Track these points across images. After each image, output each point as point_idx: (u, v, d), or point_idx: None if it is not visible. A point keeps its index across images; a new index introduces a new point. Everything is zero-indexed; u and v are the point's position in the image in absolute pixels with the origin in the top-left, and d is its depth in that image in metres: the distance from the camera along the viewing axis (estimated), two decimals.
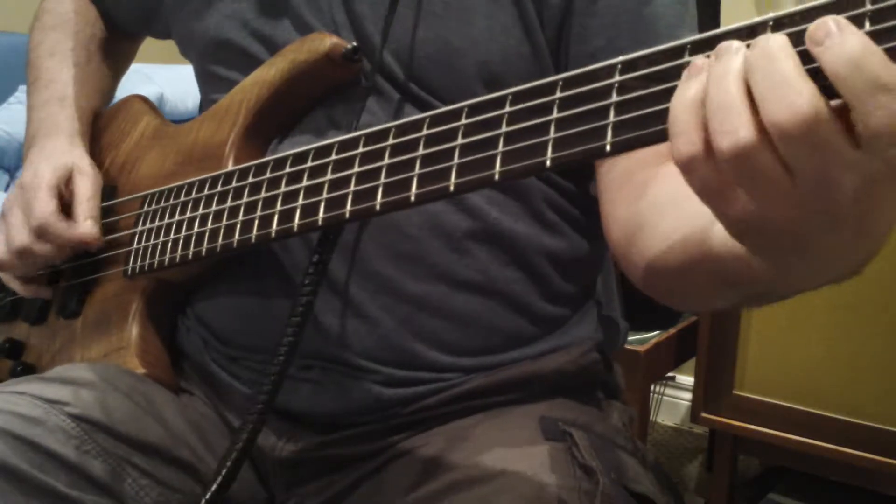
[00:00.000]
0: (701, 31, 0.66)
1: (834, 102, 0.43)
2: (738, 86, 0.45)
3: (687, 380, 2.07)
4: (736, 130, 0.44)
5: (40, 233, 0.89)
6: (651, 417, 2.17)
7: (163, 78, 2.16)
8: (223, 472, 0.73)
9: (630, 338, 1.47)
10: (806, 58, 0.44)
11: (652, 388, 1.96)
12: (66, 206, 0.91)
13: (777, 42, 0.44)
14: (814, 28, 0.43)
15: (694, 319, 1.71)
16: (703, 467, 2.03)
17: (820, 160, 0.44)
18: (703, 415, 1.63)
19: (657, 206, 0.70)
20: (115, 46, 1.09)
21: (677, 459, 2.10)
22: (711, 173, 0.46)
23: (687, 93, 0.47)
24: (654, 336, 1.67)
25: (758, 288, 0.56)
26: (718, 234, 0.56)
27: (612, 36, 0.77)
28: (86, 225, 0.90)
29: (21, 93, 2.10)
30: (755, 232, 0.48)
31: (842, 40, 0.42)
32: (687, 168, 0.47)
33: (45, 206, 0.89)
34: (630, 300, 0.95)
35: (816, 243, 0.48)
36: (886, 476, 1.48)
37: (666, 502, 0.75)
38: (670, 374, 1.97)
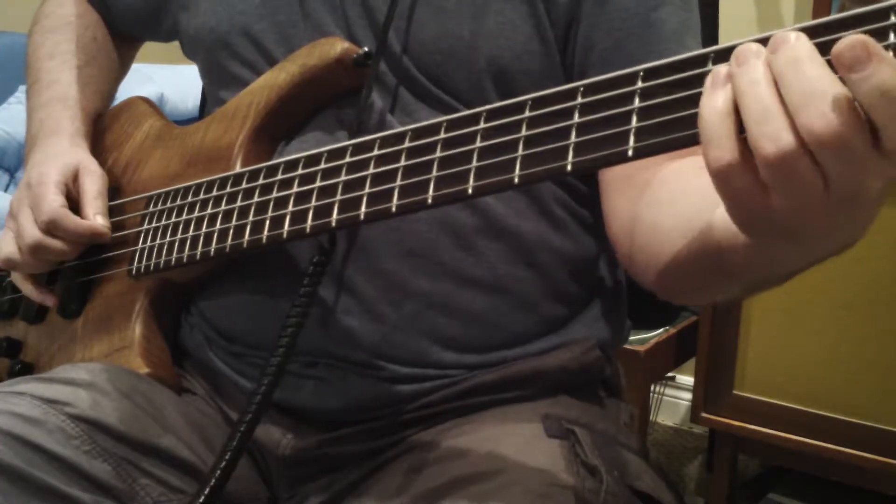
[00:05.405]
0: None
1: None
2: (771, 92, 0.45)
3: (687, 380, 2.07)
4: (779, 136, 0.45)
5: (50, 227, 0.89)
6: (651, 417, 2.16)
7: (163, 78, 2.16)
8: (221, 465, 0.73)
9: (630, 338, 1.47)
10: (827, 52, 0.44)
11: (652, 388, 1.95)
12: (73, 204, 0.91)
13: (802, 48, 0.45)
14: (844, 50, 0.43)
15: (694, 319, 1.71)
16: (703, 467, 2.03)
17: (852, 169, 0.45)
18: (703, 415, 1.63)
19: (657, 205, 0.72)
20: (115, 50, 1.09)
21: (677, 459, 2.10)
22: (746, 180, 0.47)
23: (716, 101, 0.47)
24: (654, 336, 1.67)
25: (756, 276, 0.58)
26: (718, 229, 0.58)
27: (620, 38, 0.78)
28: (96, 219, 0.90)
29: (21, 93, 2.10)
30: (769, 228, 0.50)
31: (873, 69, 0.42)
32: (722, 175, 0.48)
33: (54, 202, 0.89)
34: (630, 299, 0.95)
35: (818, 237, 0.50)
36: (886, 476, 1.48)
37: (668, 500, 0.76)
38: (670, 374, 1.97)
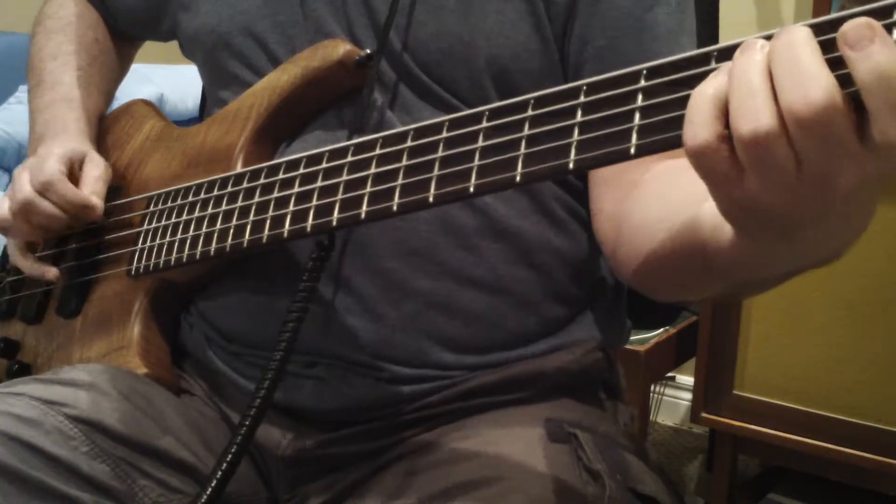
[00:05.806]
0: (699, 37, 0.65)
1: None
2: (761, 74, 0.46)
3: (687, 380, 2.07)
4: (757, 116, 0.45)
5: (45, 188, 0.89)
6: (651, 417, 2.16)
7: (163, 78, 2.16)
8: (222, 467, 0.73)
9: (630, 338, 1.47)
10: (827, 48, 0.44)
11: (652, 388, 1.95)
12: (73, 184, 0.91)
13: (800, 32, 0.45)
14: (849, 28, 0.43)
15: (694, 319, 1.71)
16: (703, 467, 2.03)
17: (827, 154, 0.45)
18: (703, 415, 1.63)
19: (645, 200, 0.72)
20: (115, 50, 1.09)
21: (677, 459, 2.10)
22: (722, 160, 0.47)
23: (708, 86, 0.48)
24: (654, 336, 1.67)
25: (741, 275, 0.58)
26: (705, 223, 0.58)
27: (614, 37, 0.78)
28: (91, 197, 0.90)
29: (21, 93, 2.10)
30: (749, 215, 0.50)
31: (875, 49, 0.42)
32: (697, 154, 0.48)
33: (54, 167, 0.89)
34: (630, 299, 0.95)
35: (802, 232, 0.50)
36: (886, 476, 1.48)
37: (669, 502, 0.75)
38: (670, 374, 1.97)
